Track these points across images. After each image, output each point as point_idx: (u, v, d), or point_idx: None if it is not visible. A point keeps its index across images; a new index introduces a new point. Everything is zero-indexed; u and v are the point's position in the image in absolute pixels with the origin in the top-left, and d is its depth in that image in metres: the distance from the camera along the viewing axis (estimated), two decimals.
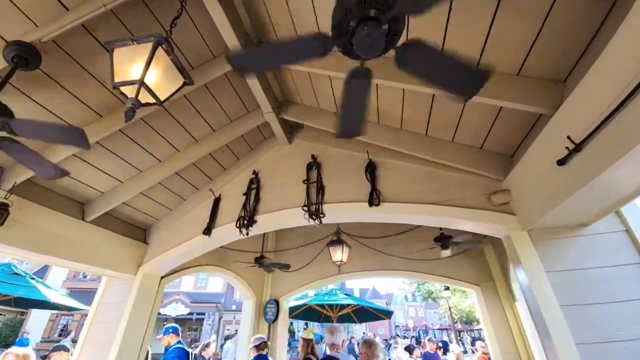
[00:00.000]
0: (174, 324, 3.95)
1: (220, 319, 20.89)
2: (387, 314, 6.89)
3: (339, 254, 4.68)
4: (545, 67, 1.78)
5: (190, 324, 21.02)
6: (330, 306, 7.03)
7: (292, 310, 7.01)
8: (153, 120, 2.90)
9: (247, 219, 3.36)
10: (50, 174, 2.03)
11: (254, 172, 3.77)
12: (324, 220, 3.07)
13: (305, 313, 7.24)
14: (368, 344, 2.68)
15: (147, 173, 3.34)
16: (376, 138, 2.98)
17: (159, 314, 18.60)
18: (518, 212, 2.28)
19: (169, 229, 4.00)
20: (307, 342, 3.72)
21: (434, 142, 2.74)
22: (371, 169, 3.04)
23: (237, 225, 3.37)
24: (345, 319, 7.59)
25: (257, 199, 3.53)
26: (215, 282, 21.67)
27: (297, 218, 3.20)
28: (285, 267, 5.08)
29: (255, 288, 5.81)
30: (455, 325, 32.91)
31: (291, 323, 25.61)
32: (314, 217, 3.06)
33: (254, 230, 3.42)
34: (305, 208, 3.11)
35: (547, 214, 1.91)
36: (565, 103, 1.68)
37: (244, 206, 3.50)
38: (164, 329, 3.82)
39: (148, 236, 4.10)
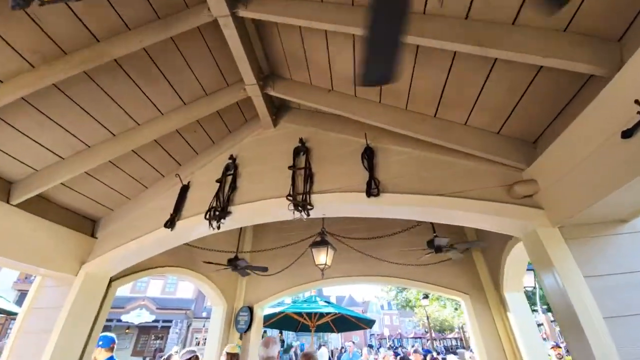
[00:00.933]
0: (107, 334, 3.27)
1: (189, 327, 19.57)
2: (369, 323, 6.46)
3: (322, 257, 4.21)
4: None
5: (155, 332, 19.52)
6: (309, 314, 6.51)
7: (266, 318, 6.42)
8: (101, 77, 2.31)
9: (219, 210, 2.82)
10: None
11: (231, 157, 3.24)
12: (312, 213, 2.60)
13: (281, 322, 6.66)
14: (307, 357, 2.64)
15: (96, 149, 2.72)
16: (376, 119, 2.57)
17: (120, 320, 17.07)
18: (547, 206, 1.93)
19: (125, 222, 3.36)
20: (232, 356, 3.53)
21: (443, 125, 2.36)
22: (369, 155, 2.62)
23: (207, 216, 2.81)
24: (324, 328, 7.08)
25: (233, 187, 2.99)
26: (185, 286, 20.33)
27: (280, 210, 2.71)
28: (263, 270, 4.53)
29: (227, 294, 5.19)
30: (430, 333, 33.31)
31: (280, 332, 24.53)
32: (300, 208, 2.58)
33: (228, 224, 2.88)
34: (290, 198, 2.63)
35: (592, 205, 1.56)
36: (629, 62, 1.34)
37: (217, 195, 2.95)
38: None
39: (98, 229, 3.42)
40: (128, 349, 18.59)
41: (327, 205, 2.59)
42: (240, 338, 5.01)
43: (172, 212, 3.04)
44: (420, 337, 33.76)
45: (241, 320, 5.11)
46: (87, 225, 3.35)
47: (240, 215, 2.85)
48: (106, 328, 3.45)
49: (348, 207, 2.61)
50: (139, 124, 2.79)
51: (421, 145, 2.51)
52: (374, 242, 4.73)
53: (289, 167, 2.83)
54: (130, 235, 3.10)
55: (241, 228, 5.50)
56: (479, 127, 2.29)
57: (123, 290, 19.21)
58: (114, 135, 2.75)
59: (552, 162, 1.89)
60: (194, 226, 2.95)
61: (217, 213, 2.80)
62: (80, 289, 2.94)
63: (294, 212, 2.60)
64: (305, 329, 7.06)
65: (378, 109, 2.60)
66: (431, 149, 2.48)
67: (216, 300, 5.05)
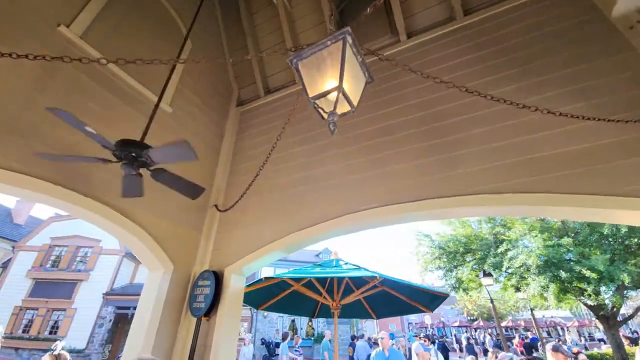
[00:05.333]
0: None
1: None
2: (433, 301, 3.86)
3: (331, 82, 1.55)
4: None
5: None
6: (328, 286, 4.12)
7: (262, 296, 4.11)
8: None
9: None
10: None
11: None
12: None
13: (287, 300, 4.32)
14: None
15: None
16: None
17: None
18: None
19: None
20: None
21: None
22: None
23: None
24: (354, 310, 4.65)
25: None
26: None
27: None
28: (195, 190, 2.25)
29: (174, 250, 2.93)
30: (477, 322, 29.61)
31: (293, 321, 22.41)
32: None
33: None
34: None
35: None
36: None
37: None
38: None
39: None
40: None
41: None
42: (197, 327, 2.73)
43: None
44: (466, 326, 30.36)
45: (199, 295, 2.83)
46: None
47: None
48: None
49: None
50: None
51: None
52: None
53: None
54: None
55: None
56: None
57: None
58: None
59: None
60: None
61: None
62: None
63: None
64: (325, 312, 4.70)
65: None
66: None
67: (152, 261, 2.80)
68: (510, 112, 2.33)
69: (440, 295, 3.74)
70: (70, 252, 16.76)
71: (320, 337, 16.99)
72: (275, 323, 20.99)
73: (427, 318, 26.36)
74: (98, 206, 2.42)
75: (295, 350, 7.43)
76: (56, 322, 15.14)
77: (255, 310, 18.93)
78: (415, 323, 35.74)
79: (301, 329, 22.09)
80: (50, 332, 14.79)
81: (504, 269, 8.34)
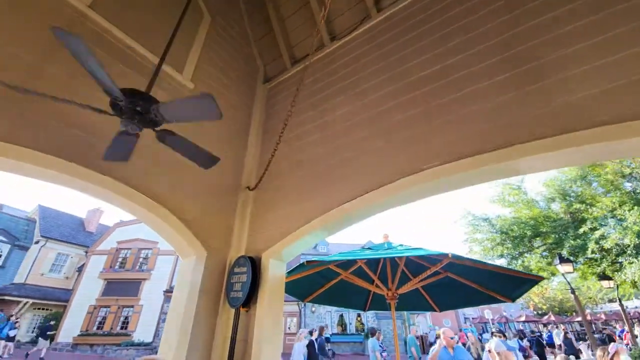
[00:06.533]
0: None
1: None
2: (520, 288, 3.07)
3: None
4: None
5: None
6: (378, 271, 3.57)
7: (303, 287, 3.72)
8: None
9: None
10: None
11: None
12: None
13: (332, 291, 3.87)
14: None
15: None
16: None
17: None
18: None
19: None
20: None
21: None
22: None
23: None
24: (411, 301, 4.05)
25: None
26: None
27: None
28: (209, 159, 1.88)
29: (206, 234, 2.64)
30: (547, 317, 26.45)
31: (342, 316, 21.96)
32: None
33: None
34: None
35: None
36: None
37: None
38: None
39: None
40: None
41: None
42: (236, 319, 2.40)
43: None
44: (534, 321, 27.40)
45: (235, 285, 2.50)
46: None
47: None
48: None
49: None
50: None
51: None
52: None
53: None
54: None
55: None
56: None
57: None
58: None
59: None
60: None
61: None
62: None
63: None
64: (378, 303, 4.16)
65: None
66: None
67: (183, 246, 2.53)
68: None
69: (533, 279, 2.95)
70: (133, 254, 18.30)
71: (370, 332, 16.38)
72: (323, 318, 20.86)
73: (486, 312, 24.10)
74: (121, 187, 2.19)
75: (380, 346, 6.99)
76: (126, 317, 16.61)
77: (302, 305, 18.98)
78: (473, 318, 33.26)
79: (350, 323, 21.66)
80: (122, 327, 16.25)
81: (589, 252, 6.97)
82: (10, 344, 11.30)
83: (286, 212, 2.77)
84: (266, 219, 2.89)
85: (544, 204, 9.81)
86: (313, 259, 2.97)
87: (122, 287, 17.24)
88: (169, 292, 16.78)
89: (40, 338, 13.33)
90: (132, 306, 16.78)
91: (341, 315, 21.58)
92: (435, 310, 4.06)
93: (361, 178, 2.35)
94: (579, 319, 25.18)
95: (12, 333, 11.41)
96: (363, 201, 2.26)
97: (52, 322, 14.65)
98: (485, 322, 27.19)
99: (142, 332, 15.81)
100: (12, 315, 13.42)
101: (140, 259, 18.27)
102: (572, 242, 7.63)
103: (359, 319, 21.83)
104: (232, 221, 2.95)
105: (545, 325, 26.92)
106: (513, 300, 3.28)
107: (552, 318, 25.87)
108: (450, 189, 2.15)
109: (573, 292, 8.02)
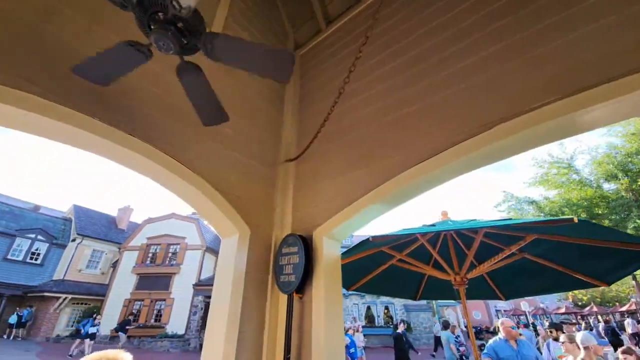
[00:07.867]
0: None
1: None
2: (625, 268, 2.55)
3: None
4: None
5: None
6: (436, 248, 3.09)
7: (351, 273, 3.32)
8: None
9: None
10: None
11: None
12: None
13: (379, 280, 3.43)
14: None
15: None
16: None
17: None
18: None
19: None
20: None
21: None
22: None
23: None
24: (472, 289, 3.54)
25: None
26: None
27: None
28: (218, 115, 1.53)
29: (249, 209, 2.29)
30: (589, 308, 24.72)
31: (369, 308, 21.35)
32: None
33: None
34: None
35: None
36: None
37: None
38: None
39: None
40: None
41: None
42: (290, 306, 2.03)
43: None
44: (574, 313, 25.77)
45: (286, 267, 2.13)
46: None
47: None
48: None
49: None
50: None
51: None
52: None
53: None
54: None
55: None
56: None
57: None
58: None
59: None
60: None
61: None
62: None
63: None
64: (435, 291, 3.68)
65: None
66: None
67: (224, 223, 2.19)
68: None
69: None
70: (163, 249, 18.75)
71: (444, 325, 15.89)
72: (351, 310, 20.52)
73: (523, 304, 22.73)
74: (160, 155, 1.86)
75: (456, 341, 6.61)
76: (159, 310, 17.08)
77: None
78: (505, 310, 31.74)
79: (378, 316, 21.17)
80: (155, 320, 16.72)
81: None
82: (91, 342, 11.73)
83: (335, 186, 2.35)
84: (313, 193, 2.50)
85: (596, 184, 8.84)
86: (380, 235, 2.53)
87: (153, 281, 17.72)
88: (198, 285, 17.07)
89: (120, 333, 13.94)
90: (164, 299, 17.22)
91: (368, 307, 21.15)
92: (500, 299, 3.54)
93: (418, 142, 1.90)
94: (624, 308, 23.34)
95: (92, 330, 11.86)
96: (424, 168, 1.80)
97: (129, 317, 15.24)
98: (519, 314, 25.77)
99: (175, 324, 16.19)
100: (94, 313, 14.00)
101: (170, 254, 18.68)
102: (638, 221, 6.75)
103: (386, 311, 21.30)
104: (274, 197, 2.58)
105: (583, 317, 25.18)
106: (609, 284, 2.71)
107: (595, 309, 24.19)
108: (533, 144, 1.63)
109: (634, 278, 7.15)
